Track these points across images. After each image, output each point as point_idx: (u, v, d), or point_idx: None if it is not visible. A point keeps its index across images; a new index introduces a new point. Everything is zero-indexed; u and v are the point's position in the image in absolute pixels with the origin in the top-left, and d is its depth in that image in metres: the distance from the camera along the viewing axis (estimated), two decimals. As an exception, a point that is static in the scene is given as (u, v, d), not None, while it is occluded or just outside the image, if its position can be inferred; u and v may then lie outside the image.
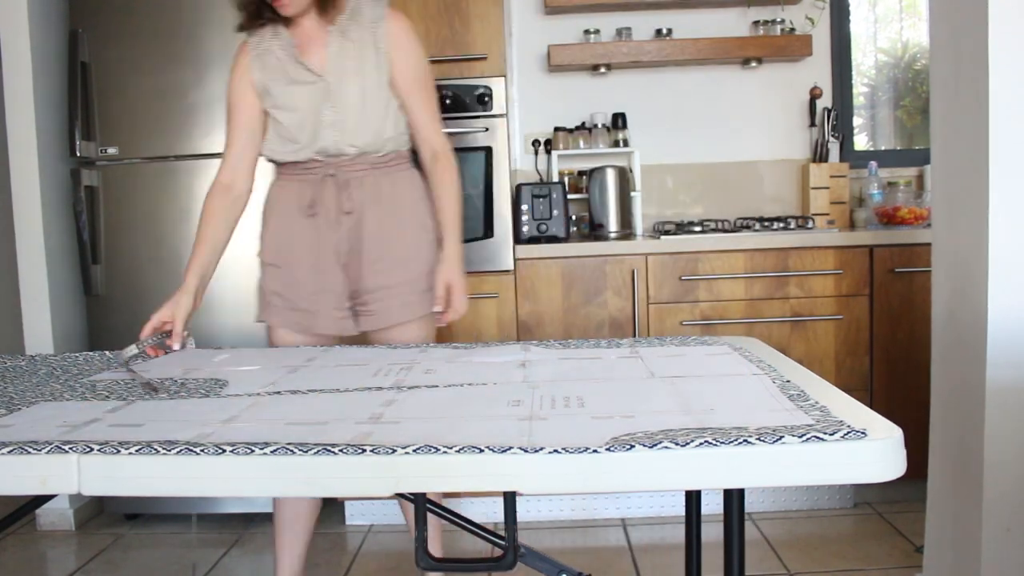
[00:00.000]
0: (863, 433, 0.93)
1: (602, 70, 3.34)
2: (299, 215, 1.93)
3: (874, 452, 0.92)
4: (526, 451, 0.93)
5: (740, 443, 0.92)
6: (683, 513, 1.63)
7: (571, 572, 1.11)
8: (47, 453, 0.99)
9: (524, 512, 2.92)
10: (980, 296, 1.80)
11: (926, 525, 2.07)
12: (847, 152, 3.42)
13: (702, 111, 3.39)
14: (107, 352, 1.79)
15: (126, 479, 0.99)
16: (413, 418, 1.11)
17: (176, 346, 1.70)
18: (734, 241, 2.85)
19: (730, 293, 2.84)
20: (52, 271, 2.95)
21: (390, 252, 1.93)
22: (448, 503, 1.43)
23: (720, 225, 3.09)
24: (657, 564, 2.56)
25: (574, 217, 3.26)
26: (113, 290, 2.91)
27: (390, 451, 0.95)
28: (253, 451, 0.96)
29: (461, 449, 0.94)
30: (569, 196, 3.15)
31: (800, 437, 0.92)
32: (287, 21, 1.90)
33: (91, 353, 1.77)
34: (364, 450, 0.95)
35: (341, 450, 0.96)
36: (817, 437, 0.92)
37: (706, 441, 0.93)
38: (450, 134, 2.83)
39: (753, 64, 3.32)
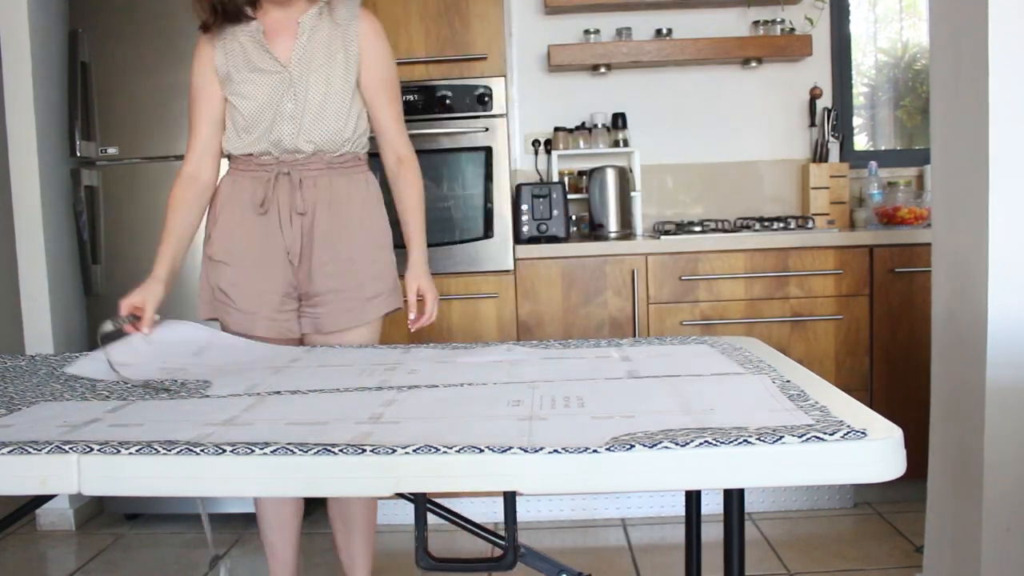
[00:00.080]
0: (863, 433, 0.93)
1: (602, 70, 3.34)
2: (250, 212, 1.88)
3: (874, 452, 0.92)
4: (526, 451, 0.93)
5: (740, 443, 0.92)
6: (683, 513, 1.63)
7: (571, 572, 1.11)
8: (47, 453, 0.99)
9: (524, 512, 2.92)
10: (980, 296, 1.80)
11: (926, 525, 2.07)
12: (847, 152, 3.42)
13: (702, 111, 3.39)
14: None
15: (126, 479, 0.99)
16: (413, 418, 1.11)
17: (145, 330, 1.68)
18: (734, 241, 2.85)
19: (730, 293, 2.84)
20: (52, 271, 2.95)
21: (340, 256, 1.89)
22: (448, 503, 1.43)
23: (720, 225, 3.09)
24: (657, 564, 2.56)
25: (574, 217, 3.26)
26: (113, 290, 2.91)
27: (390, 451, 0.95)
28: (253, 451, 0.96)
29: (461, 449, 0.94)
30: (569, 196, 3.15)
31: (800, 437, 0.92)
32: (257, 9, 1.86)
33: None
34: (364, 450, 0.95)
35: (341, 450, 0.96)
36: (817, 437, 0.92)
37: (706, 441, 0.93)
38: (450, 134, 2.85)
39: (753, 64, 3.32)
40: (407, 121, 2.79)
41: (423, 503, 1.06)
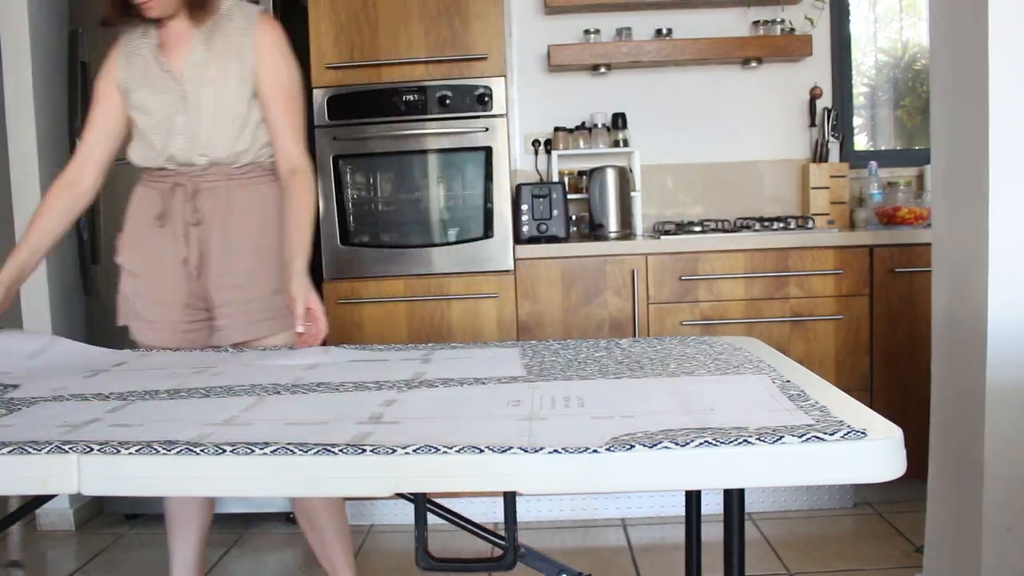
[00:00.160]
0: (863, 433, 0.93)
1: (602, 70, 3.34)
2: (151, 223, 1.89)
3: (874, 452, 0.92)
4: (526, 451, 0.93)
5: (740, 443, 0.92)
6: (683, 513, 1.63)
7: (571, 572, 1.11)
8: (47, 453, 0.99)
9: (524, 512, 2.92)
10: (980, 296, 1.80)
11: (926, 525, 2.07)
12: (847, 152, 3.42)
13: (702, 111, 3.39)
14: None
15: (126, 479, 0.99)
16: (413, 418, 1.11)
17: None
18: (734, 241, 2.85)
19: (730, 293, 2.84)
20: (52, 271, 2.95)
21: (236, 268, 1.87)
22: (448, 503, 1.43)
23: (720, 225, 3.09)
24: (657, 564, 2.56)
25: (574, 217, 3.26)
26: (113, 290, 2.89)
27: (390, 451, 0.95)
28: (253, 451, 0.96)
29: (461, 449, 0.94)
30: (569, 196, 3.15)
31: (800, 437, 0.92)
32: (156, 20, 1.85)
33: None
34: (364, 450, 0.95)
35: (341, 450, 0.96)
36: (817, 437, 0.92)
37: (706, 441, 0.93)
38: (450, 134, 2.85)
39: (753, 64, 3.32)
40: (406, 121, 2.84)
41: (423, 503, 1.06)
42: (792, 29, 3.28)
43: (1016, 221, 1.76)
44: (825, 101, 3.38)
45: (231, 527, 2.93)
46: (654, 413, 1.08)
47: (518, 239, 2.94)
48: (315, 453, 0.95)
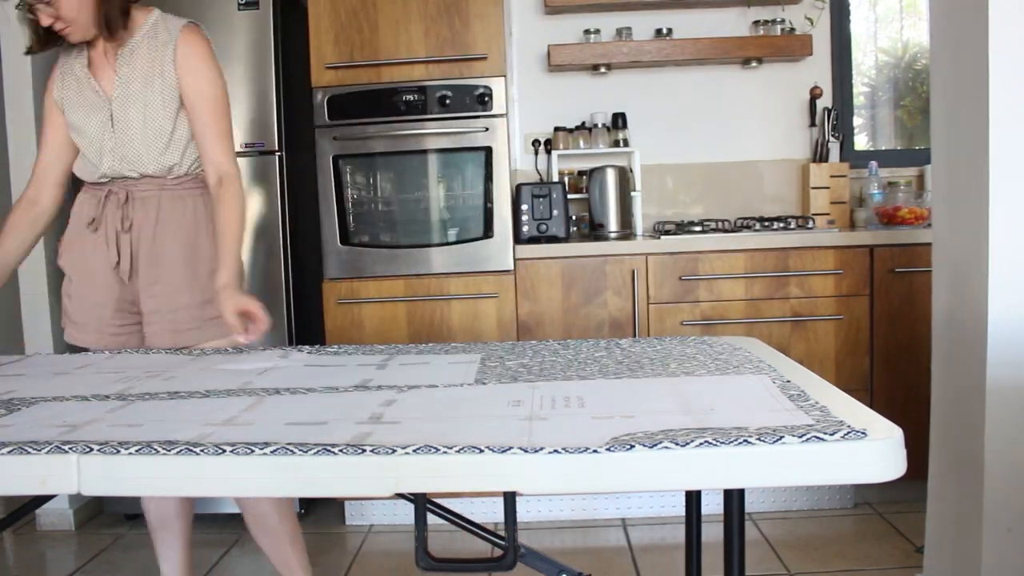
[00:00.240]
0: (863, 433, 0.93)
1: (602, 70, 3.33)
2: (86, 228, 1.92)
3: (874, 452, 0.92)
4: (526, 451, 0.93)
5: (740, 443, 0.92)
6: (683, 513, 1.63)
7: (571, 572, 1.11)
8: (47, 453, 0.99)
9: (524, 512, 2.92)
10: (980, 296, 1.80)
11: (926, 525, 2.07)
12: (847, 152, 3.42)
13: (702, 111, 3.39)
14: (106, 351, 1.79)
15: (126, 479, 0.99)
16: (413, 418, 1.11)
17: None
18: (734, 241, 2.85)
19: (730, 293, 2.84)
20: (52, 271, 2.95)
21: (163, 277, 1.88)
22: (448, 503, 1.43)
23: (720, 225, 3.09)
24: (657, 564, 2.56)
25: (574, 217, 3.26)
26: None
27: (390, 451, 0.95)
28: (253, 451, 0.96)
29: (461, 449, 0.94)
30: (569, 196, 3.15)
31: (800, 437, 0.92)
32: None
33: (90, 354, 1.77)
34: (364, 450, 0.95)
35: (341, 450, 0.96)
36: (817, 437, 0.92)
37: (706, 441, 0.93)
38: (450, 134, 2.85)
39: (753, 64, 3.32)
40: (406, 121, 2.84)
41: (423, 503, 1.06)
42: (792, 29, 3.28)
43: (1016, 221, 1.76)
44: (825, 101, 3.38)
45: (231, 527, 2.93)
46: (654, 413, 1.07)
47: (518, 239, 2.94)
48: (315, 453, 0.95)
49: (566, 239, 2.99)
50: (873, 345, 2.84)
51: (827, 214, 3.25)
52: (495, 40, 2.84)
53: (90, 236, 1.91)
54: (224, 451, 0.97)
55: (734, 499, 1.12)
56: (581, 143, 3.33)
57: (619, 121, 3.30)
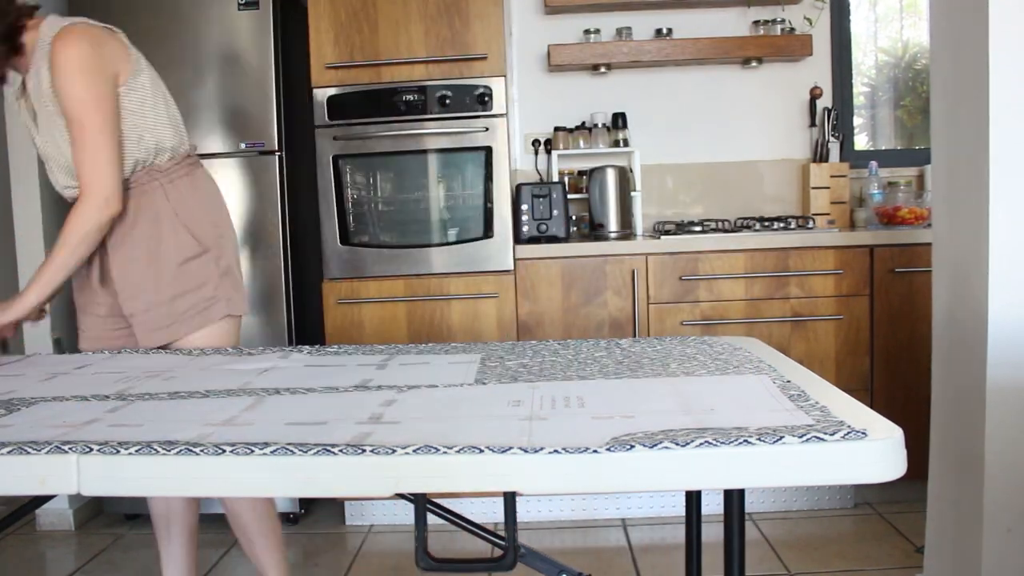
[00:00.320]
0: (863, 433, 0.92)
1: (602, 70, 3.33)
2: None
3: (874, 452, 0.92)
4: (526, 451, 0.93)
5: (740, 443, 0.92)
6: (683, 513, 1.63)
7: (571, 572, 1.11)
8: (46, 453, 0.99)
9: (524, 512, 2.92)
10: (980, 296, 1.80)
11: (926, 525, 2.07)
12: (847, 152, 3.42)
13: (702, 111, 3.39)
14: (105, 351, 1.79)
15: (126, 479, 0.99)
16: (413, 418, 1.11)
17: None
18: (734, 241, 2.85)
19: (730, 293, 2.84)
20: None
21: (133, 279, 1.87)
22: (448, 503, 1.43)
23: (720, 225, 3.09)
24: (657, 564, 2.56)
25: (574, 217, 3.26)
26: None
27: (390, 451, 0.95)
28: (253, 451, 0.96)
29: (461, 449, 0.94)
30: (569, 196, 3.15)
31: (800, 437, 0.92)
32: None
33: (90, 354, 1.77)
34: (364, 450, 0.95)
35: (341, 450, 0.95)
36: (817, 437, 0.92)
37: (706, 441, 0.93)
38: (450, 134, 2.85)
39: (753, 64, 3.32)
40: (406, 121, 2.84)
41: (423, 503, 1.06)
42: (792, 29, 3.28)
43: (1016, 221, 1.76)
44: (825, 101, 3.38)
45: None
46: (654, 413, 1.07)
47: (518, 239, 2.94)
48: (315, 453, 0.95)
49: (566, 239, 2.99)
50: (873, 345, 2.84)
51: (827, 214, 3.25)
52: (495, 40, 2.84)
53: None
54: (224, 451, 0.97)
55: (734, 499, 1.12)
56: (581, 143, 3.33)
57: (619, 121, 3.30)
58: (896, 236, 2.84)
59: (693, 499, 1.56)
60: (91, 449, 0.99)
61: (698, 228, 3.02)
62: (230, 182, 2.83)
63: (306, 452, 0.96)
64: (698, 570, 1.58)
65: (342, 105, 2.85)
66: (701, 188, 3.41)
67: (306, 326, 3.05)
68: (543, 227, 2.97)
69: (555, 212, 2.98)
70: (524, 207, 2.97)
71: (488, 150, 2.85)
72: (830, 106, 3.35)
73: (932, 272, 2.04)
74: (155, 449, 0.98)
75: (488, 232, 2.86)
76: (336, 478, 0.96)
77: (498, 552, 1.08)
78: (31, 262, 2.93)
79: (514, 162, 3.34)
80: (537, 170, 3.38)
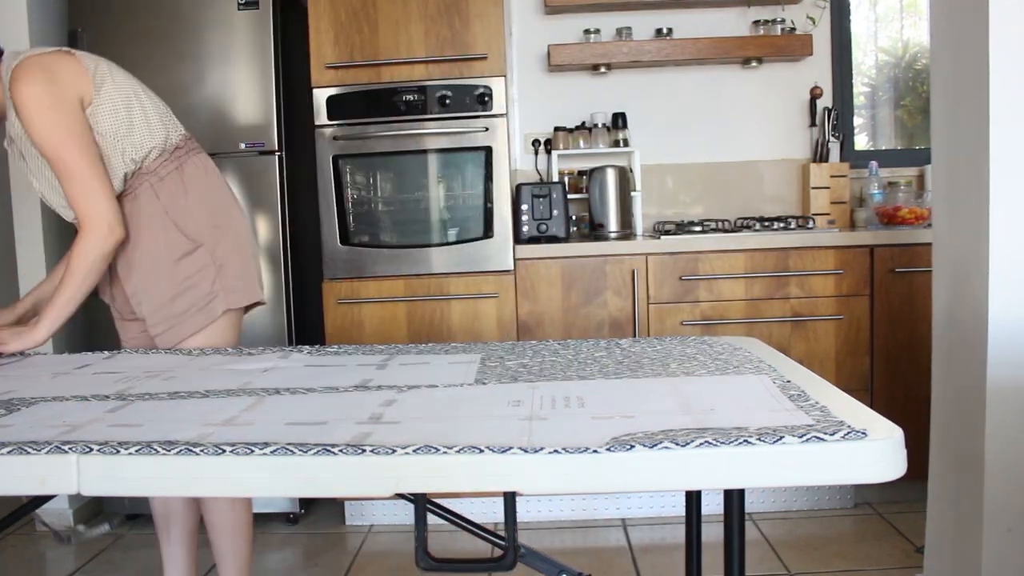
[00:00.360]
0: (863, 433, 0.92)
1: (602, 70, 3.33)
2: None
3: (874, 452, 0.92)
4: (526, 451, 0.93)
5: (740, 443, 0.92)
6: (683, 513, 1.63)
7: (571, 572, 1.11)
8: (46, 453, 0.99)
9: (524, 512, 2.92)
10: (980, 296, 1.80)
11: (926, 525, 2.07)
12: (847, 152, 3.42)
13: (702, 111, 3.39)
14: (105, 352, 1.79)
15: (126, 479, 0.99)
16: (413, 418, 1.11)
17: None
18: (734, 241, 2.85)
19: (730, 293, 2.84)
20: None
21: (134, 284, 1.88)
22: (448, 503, 1.43)
23: (720, 225, 3.09)
24: (657, 564, 2.56)
25: (574, 217, 3.26)
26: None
27: (390, 451, 0.95)
28: (253, 451, 0.96)
29: (461, 449, 0.94)
30: (569, 196, 3.15)
31: (800, 437, 0.92)
32: None
33: (90, 353, 1.77)
34: (364, 450, 0.95)
35: (341, 450, 0.95)
36: (817, 437, 0.92)
37: (706, 441, 0.92)
38: (450, 134, 2.85)
39: (753, 64, 3.32)
40: (406, 121, 2.84)
41: (423, 503, 1.06)
42: (792, 29, 3.28)
43: (1016, 221, 1.76)
44: (825, 101, 3.38)
45: (231, 527, 2.92)
46: (654, 413, 1.07)
47: (518, 239, 2.94)
48: (315, 453, 0.95)
49: (566, 239, 2.99)
50: (873, 345, 2.84)
51: (827, 214, 3.25)
52: (495, 40, 2.84)
53: None
54: (224, 451, 0.97)
55: (734, 499, 1.12)
56: (581, 143, 3.33)
57: (619, 121, 3.30)
58: (896, 236, 2.84)
59: (693, 499, 1.56)
60: (91, 449, 0.99)
61: (698, 228, 3.02)
62: (230, 182, 2.83)
63: (306, 452, 0.96)
64: (698, 570, 1.58)
65: (342, 105, 2.85)
66: (701, 188, 3.41)
67: (306, 326, 3.05)
68: (543, 227, 2.97)
69: (555, 212, 2.98)
70: (524, 207, 2.97)
71: (488, 150, 2.85)
72: (830, 106, 3.35)
73: (932, 272, 2.04)
74: (155, 449, 0.98)
75: (488, 232, 2.86)
76: (336, 478, 0.95)
77: (498, 552, 1.08)
78: (31, 263, 2.93)
79: (514, 162, 3.34)
80: (537, 170, 3.38)
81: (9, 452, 0.99)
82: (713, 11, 3.33)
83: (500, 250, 2.85)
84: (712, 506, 1.63)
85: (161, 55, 2.86)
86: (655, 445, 0.92)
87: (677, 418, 1.04)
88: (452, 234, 2.89)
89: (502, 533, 1.08)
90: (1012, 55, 1.73)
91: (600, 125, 3.30)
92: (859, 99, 3.53)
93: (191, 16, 2.85)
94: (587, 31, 3.29)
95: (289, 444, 0.97)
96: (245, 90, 2.86)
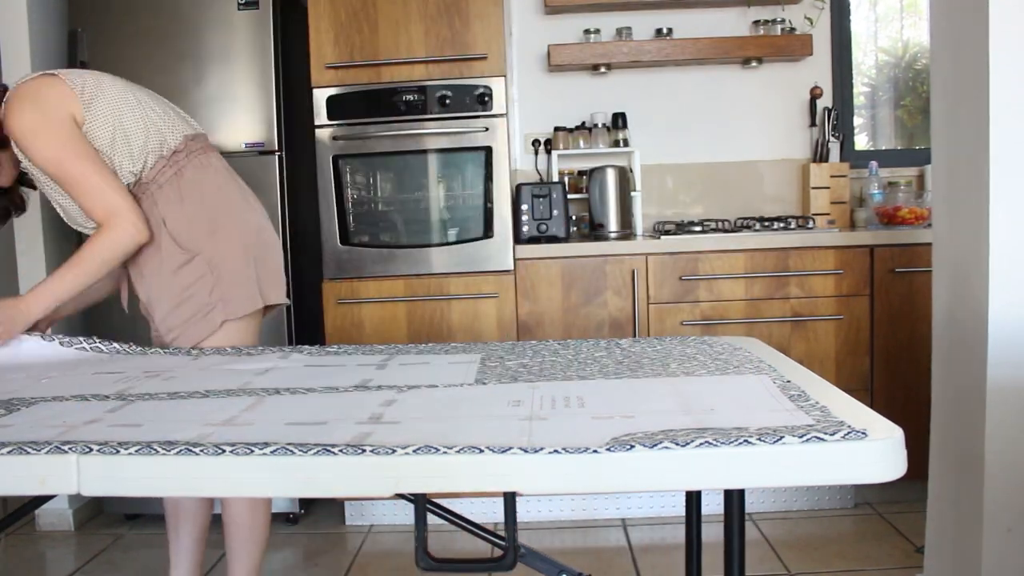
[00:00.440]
0: (863, 433, 0.92)
1: (602, 70, 3.33)
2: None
3: (874, 452, 0.91)
4: (526, 451, 0.93)
5: (740, 443, 0.92)
6: (683, 513, 1.63)
7: (571, 572, 1.11)
8: (46, 453, 0.99)
9: (524, 512, 2.92)
10: (980, 296, 1.80)
11: (926, 525, 2.07)
12: (847, 152, 3.42)
13: (702, 111, 3.39)
14: (105, 351, 1.79)
15: (126, 479, 0.98)
16: (413, 418, 1.11)
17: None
18: (734, 241, 2.85)
19: (730, 293, 2.84)
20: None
21: (143, 286, 1.89)
22: (448, 503, 1.43)
23: (720, 225, 3.09)
24: (657, 564, 2.56)
25: (574, 217, 3.26)
26: (113, 290, 2.91)
27: (390, 451, 0.95)
28: (253, 451, 0.96)
29: (461, 449, 0.94)
30: (569, 196, 3.15)
31: (800, 437, 0.92)
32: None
33: (89, 353, 1.77)
34: (364, 450, 0.95)
35: (341, 450, 0.95)
36: (817, 437, 0.92)
37: (706, 441, 0.92)
38: (450, 134, 2.85)
39: (753, 64, 3.32)
40: (406, 121, 2.84)
41: (423, 503, 1.06)
42: (792, 29, 3.28)
43: (1016, 221, 1.76)
44: (825, 101, 3.38)
45: (231, 527, 2.92)
46: (654, 413, 1.07)
47: (518, 239, 2.94)
48: (315, 453, 0.95)
49: (566, 239, 2.99)
50: (873, 345, 2.84)
51: (827, 214, 3.25)
52: (495, 40, 2.84)
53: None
54: (224, 451, 0.97)
55: (734, 499, 1.12)
56: (581, 143, 3.33)
57: (619, 121, 3.30)
58: (896, 236, 2.84)
59: (693, 499, 1.55)
60: (91, 449, 0.99)
61: (698, 228, 3.02)
62: (230, 182, 2.83)
63: (306, 452, 0.95)
64: (698, 570, 1.58)
65: (342, 105, 2.85)
66: (701, 188, 3.41)
67: (306, 326, 3.05)
68: (543, 227, 2.97)
69: (555, 212, 2.98)
70: (524, 207, 2.97)
71: (488, 150, 2.85)
72: (830, 106, 3.35)
73: (932, 272, 2.04)
74: (155, 449, 0.98)
75: (488, 232, 2.86)
76: (336, 478, 0.95)
77: (498, 552, 1.08)
78: (32, 263, 2.93)
79: (514, 162, 3.34)
80: (537, 170, 3.38)
81: (9, 452, 0.99)
82: (713, 11, 3.33)
83: (500, 250, 2.85)
84: (712, 506, 1.63)
85: (161, 55, 2.86)
86: (655, 445, 0.92)
87: (677, 418, 1.04)
88: (452, 234, 2.89)
89: (502, 533, 1.08)
90: (1012, 55, 1.73)
91: (600, 125, 3.30)
92: (859, 99, 3.53)
93: (191, 16, 2.85)
94: (587, 31, 3.29)
95: (289, 444, 0.97)
96: (245, 90, 2.86)
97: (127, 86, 1.89)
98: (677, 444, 0.92)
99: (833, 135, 3.32)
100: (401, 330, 2.84)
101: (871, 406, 1.08)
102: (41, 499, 1.56)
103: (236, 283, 1.89)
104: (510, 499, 1.04)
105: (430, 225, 2.89)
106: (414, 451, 0.94)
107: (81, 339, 1.76)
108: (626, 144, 3.30)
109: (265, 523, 2.00)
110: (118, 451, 0.98)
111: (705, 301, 2.85)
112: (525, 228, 2.97)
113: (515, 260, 2.85)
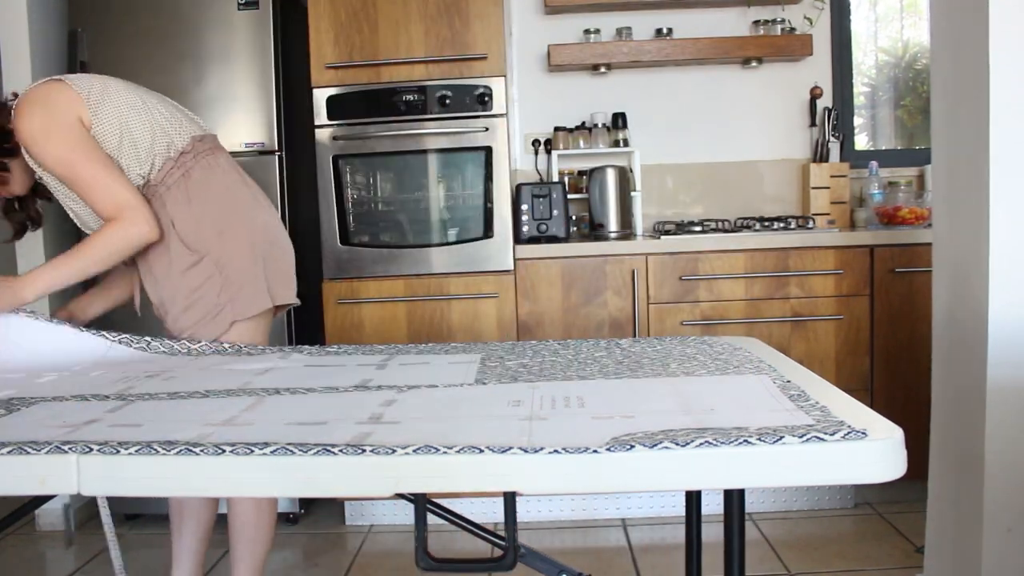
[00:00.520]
0: (863, 433, 0.92)
1: (602, 70, 3.33)
2: None
3: (874, 452, 0.91)
4: (526, 451, 0.93)
5: (740, 443, 0.92)
6: (683, 513, 1.63)
7: (571, 572, 1.11)
8: (46, 453, 0.99)
9: (524, 512, 2.92)
10: (980, 296, 1.80)
11: (926, 525, 2.07)
12: (847, 152, 3.42)
13: (702, 111, 3.39)
14: (104, 352, 1.79)
15: (126, 479, 0.99)
16: (413, 418, 1.11)
17: None
18: (734, 241, 2.85)
19: (730, 293, 2.84)
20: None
21: (155, 294, 1.89)
22: (448, 503, 1.43)
23: (720, 225, 3.09)
24: (657, 564, 2.56)
25: (574, 217, 3.26)
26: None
27: (390, 451, 0.95)
28: (253, 451, 0.96)
29: (461, 449, 0.94)
30: (569, 196, 3.15)
31: (800, 437, 0.92)
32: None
33: (95, 341, 1.78)
34: (364, 450, 0.95)
35: (341, 450, 0.95)
36: (817, 437, 0.92)
37: (706, 441, 0.92)
38: (450, 134, 2.85)
39: (753, 64, 3.32)
40: (406, 121, 2.84)
41: (423, 503, 1.06)
42: (792, 29, 3.28)
43: (1016, 221, 1.76)
44: (825, 101, 3.38)
45: (231, 527, 2.92)
46: (654, 413, 1.07)
47: (518, 239, 2.94)
48: (315, 453, 0.95)
49: (566, 239, 2.99)
50: (873, 345, 2.84)
51: (827, 214, 3.25)
52: (495, 40, 2.84)
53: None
54: (224, 451, 0.97)
55: (734, 499, 1.12)
56: (581, 143, 3.33)
57: (619, 121, 3.30)
58: (896, 236, 2.84)
59: (693, 499, 1.56)
60: (91, 449, 0.99)
61: (698, 228, 3.02)
62: (230, 182, 2.83)
63: (306, 452, 0.95)
64: (698, 570, 1.58)
65: (342, 105, 2.85)
66: (701, 188, 3.41)
67: (306, 326, 3.05)
68: (543, 227, 2.97)
69: (555, 212, 2.98)
70: (524, 207, 2.97)
71: (488, 150, 2.85)
72: (830, 106, 3.35)
73: (932, 272, 2.04)
74: (155, 449, 0.98)
75: (488, 232, 2.86)
76: (336, 478, 0.95)
77: (498, 552, 1.08)
78: (31, 259, 2.92)
79: (514, 162, 3.34)
80: (537, 170, 3.38)
81: (9, 452, 0.99)
82: (713, 11, 3.33)
83: (500, 250, 2.85)
84: (712, 506, 1.63)
85: (161, 55, 2.86)
86: (655, 445, 0.92)
87: (677, 418, 1.04)
88: (452, 234, 2.89)
89: (502, 533, 1.08)
90: (1012, 55, 1.73)
91: (600, 125, 3.30)
92: (859, 99, 3.53)
93: (191, 16, 2.85)
94: (587, 31, 3.29)
95: (289, 444, 0.97)
96: (245, 90, 2.86)
97: (134, 89, 1.89)
98: (677, 444, 0.92)
99: (833, 135, 3.32)
100: (401, 330, 2.84)
101: (871, 406, 1.08)
102: (41, 499, 1.56)
103: (244, 283, 1.88)
104: (510, 499, 1.04)
105: (430, 225, 2.89)
106: (414, 451, 0.94)
107: (94, 331, 1.78)
108: (626, 144, 3.30)
109: (270, 523, 2.00)
110: (118, 451, 0.98)
111: (705, 301, 2.85)
112: (525, 228, 2.97)
113: (515, 260, 2.85)
